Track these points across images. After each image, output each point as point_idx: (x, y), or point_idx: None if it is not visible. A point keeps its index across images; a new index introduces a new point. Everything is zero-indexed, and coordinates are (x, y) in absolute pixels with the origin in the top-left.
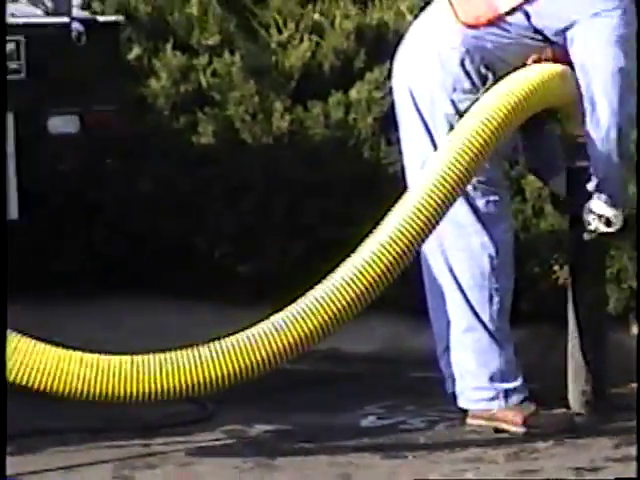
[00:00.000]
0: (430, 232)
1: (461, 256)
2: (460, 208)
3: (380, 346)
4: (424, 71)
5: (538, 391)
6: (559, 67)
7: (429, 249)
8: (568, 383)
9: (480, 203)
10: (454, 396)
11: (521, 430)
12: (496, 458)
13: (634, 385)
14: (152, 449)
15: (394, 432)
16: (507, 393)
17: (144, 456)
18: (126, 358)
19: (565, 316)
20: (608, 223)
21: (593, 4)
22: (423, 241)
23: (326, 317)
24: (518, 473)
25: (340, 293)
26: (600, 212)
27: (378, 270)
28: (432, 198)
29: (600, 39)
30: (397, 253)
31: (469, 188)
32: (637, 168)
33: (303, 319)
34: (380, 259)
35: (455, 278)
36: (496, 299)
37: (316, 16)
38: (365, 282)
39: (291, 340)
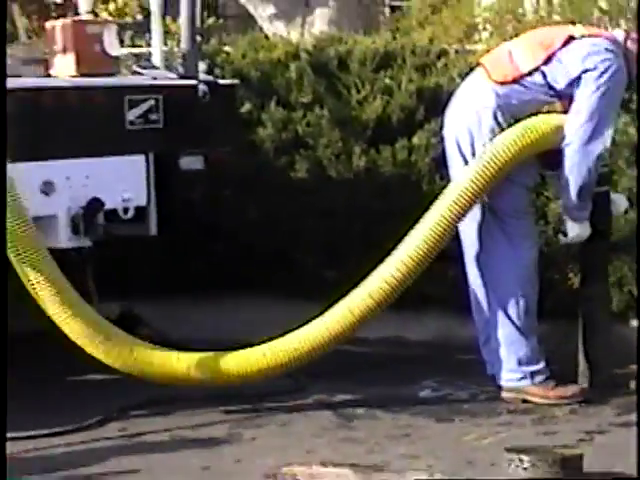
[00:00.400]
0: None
1: (495, 268)
2: (495, 230)
3: (435, 335)
4: (466, 124)
5: (557, 371)
6: (558, 118)
7: (469, 262)
8: (580, 365)
9: (511, 226)
10: (492, 376)
11: (543, 401)
12: (524, 422)
13: (633, 366)
14: (259, 413)
15: (445, 401)
16: (532, 374)
17: (253, 418)
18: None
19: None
20: (565, 234)
21: (591, 61)
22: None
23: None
24: (541, 435)
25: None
26: (565, 227)
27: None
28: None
29: (587, 89)
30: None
31: (502, 213)
32: (637, 179)
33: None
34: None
35: (491, 285)
36: (522, 302)
37: (387, 80)
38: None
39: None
